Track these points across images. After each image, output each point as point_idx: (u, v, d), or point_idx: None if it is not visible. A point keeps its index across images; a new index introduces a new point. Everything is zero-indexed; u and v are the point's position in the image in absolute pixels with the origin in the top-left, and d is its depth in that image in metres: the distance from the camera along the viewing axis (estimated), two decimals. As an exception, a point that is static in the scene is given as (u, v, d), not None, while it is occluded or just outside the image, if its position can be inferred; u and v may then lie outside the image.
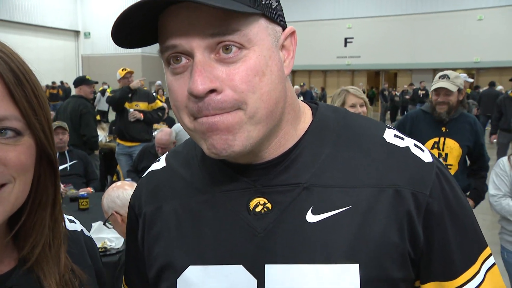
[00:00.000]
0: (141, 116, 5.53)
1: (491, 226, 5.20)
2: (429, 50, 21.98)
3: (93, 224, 2.85)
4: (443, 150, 3.16)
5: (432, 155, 0.77)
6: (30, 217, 0.72)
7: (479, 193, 3.29)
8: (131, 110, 5.54)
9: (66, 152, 4.38)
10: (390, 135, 0.77)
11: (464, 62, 21.52)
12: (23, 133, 0.66)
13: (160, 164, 0.88)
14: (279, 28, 0.70)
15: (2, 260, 0.72)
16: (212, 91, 0.63)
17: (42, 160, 0.71)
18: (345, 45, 24.50)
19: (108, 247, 2.64)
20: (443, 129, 3.17)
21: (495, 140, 7.09)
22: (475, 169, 3.32)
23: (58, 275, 0.74)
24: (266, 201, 0.72)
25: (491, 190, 2.89)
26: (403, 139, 0.77)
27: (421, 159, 0.74)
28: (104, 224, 2.18)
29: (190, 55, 0.64)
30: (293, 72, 25.37)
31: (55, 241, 0.75)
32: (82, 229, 0.89)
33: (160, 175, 0.85)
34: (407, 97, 16.77)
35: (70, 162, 4.37)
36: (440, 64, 21.43)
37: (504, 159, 2.89)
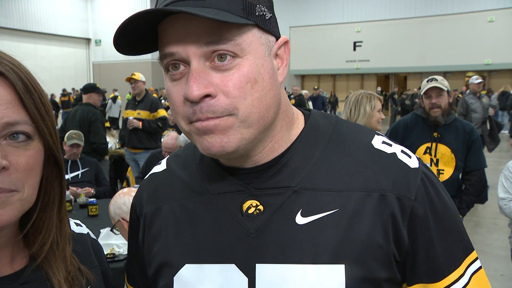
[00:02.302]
0: (139, 124, 5.52)
1: (502, 231, 5.13)
2: (439, 52, 21.81)
3: (101, 230, 2.88)
4: (435, 156, 3.14)
5: (420, 161, 0.79)
6: (39, 215, 0.76)
7: (467, 205, 3.20)
8: (130, 118, 5.55)
9: (78, 160, 4.50)
10: (379, 141, 0.80)
11: (475, 65, 21.31)
12: (32, 137, 0.71)
13: (161, 166, 0.92)
14: (272, 38, 0.73)
15: (15, 259, 0.76)
16: (207, 96, 0.67)
17: (49, 162, 0.76)
18: (354, 49, 24.42)
19: (117, 253, 2.66)
20: (435, 134, 3.16)
21: None
22: (467, 184, 3.18)
23: (65, 272, 0.78)
24: (258, 203, 0.75)
25: (500, 193, 2.87)
26: (391, 145, 0.80)
27: (407, 164, 0.76)
28: (111, 230, 2.20)
29: (187, 62, 0.68)
30: (302, 77, 25.44)
31: (61, 239, 0.79)
32: (88, 232, 0.94)
33: (160, 177, 0.90)
34: (417, 100, 16.63)
35: (82, 169, 4.47)
36: (451, 67, 21.26)
37: (513, 162, 2.86)
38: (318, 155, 0.76)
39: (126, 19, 0.65)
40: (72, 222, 0.90)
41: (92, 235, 0.95)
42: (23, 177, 0.68)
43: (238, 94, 0.67)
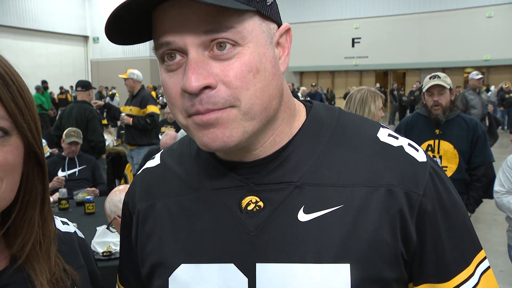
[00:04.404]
0: (129, 121, 5.50)
1: (501, 226, 5.13)
2: (438, 49, 21.75)
3: (98, 228, 2.86)
4: (438, 152, 3.12)
5: (427, 155, 0.75)
6: (19, 215, 0.73)
7: (475, 201, 3.14)
8: (122, 114, 5.57)
9: (76, 157, 4.45)
10: (384, 134, 0.76)
11: (474, 61, 21.25)
12: (10, 132, 0.67)
13: (154, 161, 0.88)
14: (273, 25, 0.70)
15: None
16: (206, 87, 0.63)
17: (30, 159, 0.72)
18: (353, 46, 24.34)
19: (113, 251, 2.64)
20: (437, 131, 3.13)
21: None
22: (473, 179, 3.11)
23: (49, 273, 0.75)
24: (258, 200, 0.72)
25: (496, 186, 2.87)
26: (397, 138, 0.76)
27: (414, 158, 0.73)
28: (108, 228, 2.19)
29: (184, 52, 0.64)
30: (301, 74, 25.37)
31: (45, 240, 0.75)
32: (75, 231, 0.90)
33: (154, 172, 0.86)
34: (412, 98, 16.60)
35: (79, 167, 4.43)
36: (449, 63, 21.22)
37: (512, 156, 2.86)
38: (322, 149, 0.73)
39: (119, 5, 0.61)
40: (58, 220, 0.87)
41: (80, 234, 0.92)
42: (1, 171, 0.65)
43: (240, 84, 0.63)
